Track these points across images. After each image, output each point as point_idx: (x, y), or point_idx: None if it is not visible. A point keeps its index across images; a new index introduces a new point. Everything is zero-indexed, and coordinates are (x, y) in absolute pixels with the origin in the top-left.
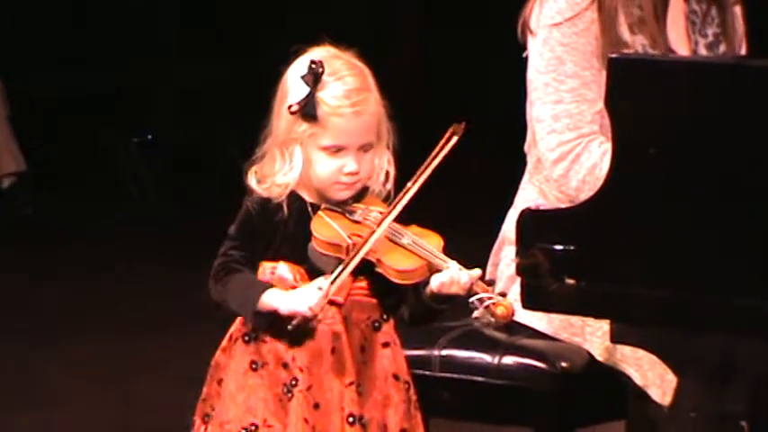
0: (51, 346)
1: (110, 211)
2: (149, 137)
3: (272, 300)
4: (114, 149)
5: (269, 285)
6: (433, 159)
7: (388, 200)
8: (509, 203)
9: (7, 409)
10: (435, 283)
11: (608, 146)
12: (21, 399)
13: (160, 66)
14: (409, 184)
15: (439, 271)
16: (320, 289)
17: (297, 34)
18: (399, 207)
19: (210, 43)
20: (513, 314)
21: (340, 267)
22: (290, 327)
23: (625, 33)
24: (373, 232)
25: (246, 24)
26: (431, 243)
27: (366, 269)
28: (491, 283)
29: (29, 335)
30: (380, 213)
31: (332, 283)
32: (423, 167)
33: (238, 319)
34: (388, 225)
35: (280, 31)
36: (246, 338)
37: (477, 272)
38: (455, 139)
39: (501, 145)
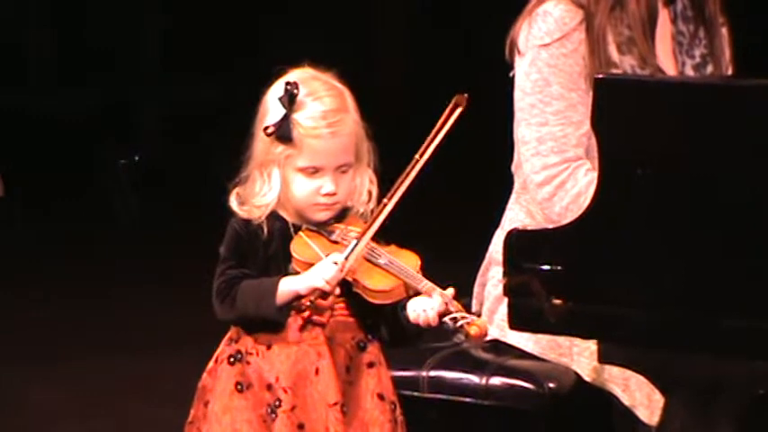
0: (40, 370)
1: (96, 232)
2: (136, 158)
3: (290, 284)
4: (100, 171)
5: (279, 278)
6: (440, 130)
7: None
8: (496, 224)
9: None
10: (412, 314)
11: (594, 174)
12: (10, 421)
13: (146, 87)
14: (417, 156)
15: (416, 291)
16: (335, 263)
17: (277, 56)
18: (414, 173)
19: (195, 66)
20: (486, 334)
21: (354, 242)
22: (308, 302)
23: (613, 53)
24: (388, 203)
25: (230, 47)
26: (407, 263)
27: (345, 289)
28: (466, 303)
29: (18, 358)
30: (358, 234)
31: (346, 258)
32: (429, 139)
33: (224, 342)
34: (367, 244)
35: (261, 54)
36: (231, 360)
37: (450, 291)
38: (459, 110)
39: (487, 164)
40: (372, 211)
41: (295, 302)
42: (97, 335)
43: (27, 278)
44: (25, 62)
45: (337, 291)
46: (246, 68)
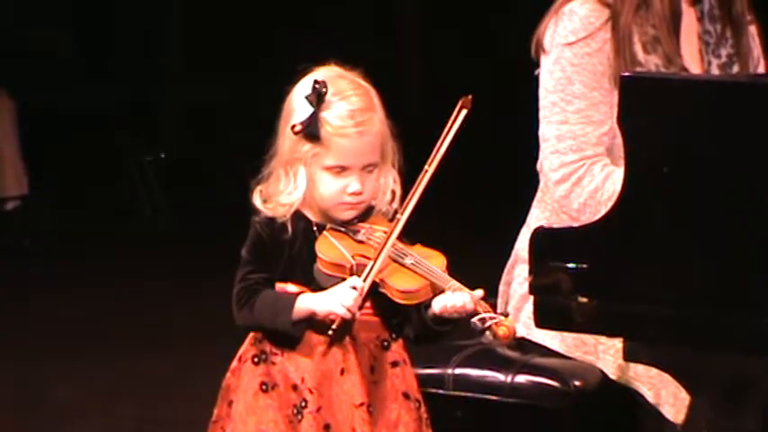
0: (64, 366)
1: (123, 228)
2: (162, 155)
3: (308, 303)
4: (127, 167)
5: (298, 293)
6: (447, 134)
7: (394, 218)
8: (521, 222)
9: (20, 428)
10: (438, 306)
11: (611, 169)
12: (34, 419)
13: (170, 84)
14: (426, 167)
15: (442, 291)
16: (354, 288)
17: (300, 52)
18: (425, 182)
19: (218, 62)
20: (514, 334)
21: (370, 264)
22: (330, 332)
23: (639, 53)
24: (399, 220)
25: (250, 44)
26: (434, 263)
27: (371, 289)
28: (493, 303)
29: (42, 354)
30: (384, 233)
31: (364, 280)
32: (438, 145)
33: (247, 341)
34: (393, 244)
35: (284, 48)
36: (256, 360)
37: (479, 292)
38: (464, 112)
39: (513, 162)
40: (396, 212)
41: (317, 324)
42: (122, 331)
43: (51, 273)
44: (50, 61)
45: (357, 313)
46: (265, 68)
